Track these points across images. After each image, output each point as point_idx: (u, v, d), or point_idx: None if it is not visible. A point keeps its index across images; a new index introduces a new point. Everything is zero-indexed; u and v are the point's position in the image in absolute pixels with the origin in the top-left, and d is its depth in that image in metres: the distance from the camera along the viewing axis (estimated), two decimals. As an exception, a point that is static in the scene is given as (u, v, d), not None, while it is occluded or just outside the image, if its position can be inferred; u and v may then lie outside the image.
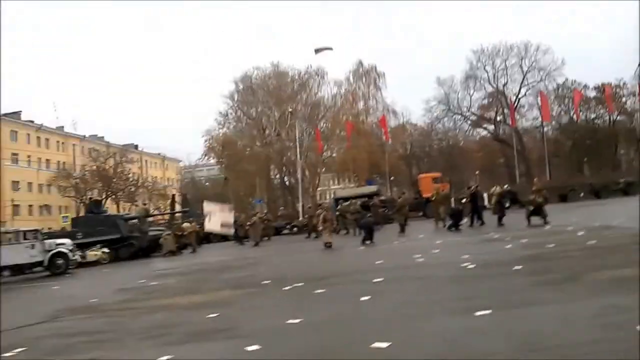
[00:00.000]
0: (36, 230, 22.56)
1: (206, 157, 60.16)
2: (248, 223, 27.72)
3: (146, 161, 77.84)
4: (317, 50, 44.14)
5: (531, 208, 18.69)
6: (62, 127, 65.77)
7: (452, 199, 27.35)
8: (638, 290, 6.45)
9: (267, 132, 56.23)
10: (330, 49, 45.24)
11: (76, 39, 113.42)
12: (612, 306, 5.92)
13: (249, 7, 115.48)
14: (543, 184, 24.48)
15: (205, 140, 56.53)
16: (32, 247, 20.73)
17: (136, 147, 74.32)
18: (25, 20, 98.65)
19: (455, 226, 19.74)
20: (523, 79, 54.08)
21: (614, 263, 8.93)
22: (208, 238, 33.16)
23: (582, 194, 35.42)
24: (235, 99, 57.16)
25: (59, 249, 21.15)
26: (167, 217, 40.52)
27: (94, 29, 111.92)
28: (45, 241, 21.39)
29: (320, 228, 18.80)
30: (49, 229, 37.20)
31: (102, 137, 70.75)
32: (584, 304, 6.30)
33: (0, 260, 19.89)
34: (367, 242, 18.28)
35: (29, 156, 59.27)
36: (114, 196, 56.97)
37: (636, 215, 17.82)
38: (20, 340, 7.60)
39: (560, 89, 54.03)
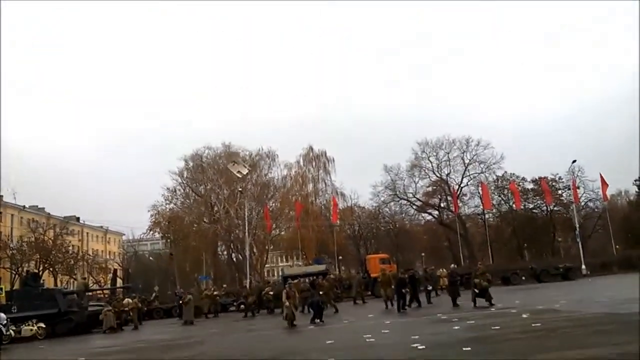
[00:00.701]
0: (-33, 303, 21.30)
1: (151, 232, 58.94)
2: (181, 302, 26.97)
3: (87, 234, 75.43)
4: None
5: (477, 290, 19.15)
6: (1, 196, 63.36)
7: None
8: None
9: (215, 209, 55.98)
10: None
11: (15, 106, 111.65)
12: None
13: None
14: (486, 267, 25.25)
15: (151, 215, 55.78)
16: (-37, 320, 19.53)
17: (78, 219, 72.11)
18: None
19: (402, 307, 20.09)
20: (465, 170, 56.91)
21: (558, 345, 9.26)
22: (150, 314, 32.13)
23: (523, 277, 36.55)
24: (185, 175, 57.15)
25: (-9, 324, 19.97)
26: (107, 292, 38.96)
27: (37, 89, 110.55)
28: (-23, 314, 20.19)
29: (286, 304, 18.31)
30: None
31: (43, 208, 68.39)
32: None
33: None
34: (317, 320, 18.13)
35: (-38, 226, 56.46)
36: (52, 269, 54.40)
37: (576, 298, 18.61)
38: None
39: (499, 181, 56.88)
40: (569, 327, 11.53)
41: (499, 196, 57.32)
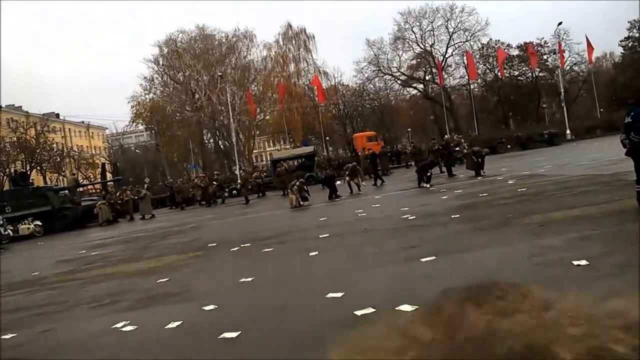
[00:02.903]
0: (-39, 206, 21.41)
1: (134, 124, 58.30)
2: (137, 197, 26.94)
3: (69, 130, 74.32)
4: None
5: (477, 158, 19.15)
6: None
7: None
8: (565, 231, 7.01)
9: (197, 96, 54.93)
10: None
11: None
12: (544, 246, 6.39)
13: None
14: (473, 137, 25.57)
15: (132, 107, 54.78)
16: (-39, 222, 19.75)
17: (57, 115, 70.70)
18: None
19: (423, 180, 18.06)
20: (449, 40, 55.41)
21: (544, 207, 9.54)
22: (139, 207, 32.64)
23: (509, 146, 37.12)
24: (160, 63, 55.39)
25: (-12, 225, 20.24)
26: (98, 186, 39.25)
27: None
28: (-28, 217, 20.39)
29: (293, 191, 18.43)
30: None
31: (20, 106, 66.81)
32: (519, 246, 6.75)
33: None
34: (334, 196, 18.30)
35: (-60, 129, 55.27)
36: (39, 167, 54.32)
37: (560, 163, 19.00)
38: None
39: (484, 49, 55.71)
40: (554, 190, 11.83)
41: (484, 65, 56.49)
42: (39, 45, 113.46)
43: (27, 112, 64.55)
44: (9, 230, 21.74)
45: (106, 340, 5.28)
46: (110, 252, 13.63)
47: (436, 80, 54.17)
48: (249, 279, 7.07)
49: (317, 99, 51.85)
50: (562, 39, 51.72)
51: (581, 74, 56.11)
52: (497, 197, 12.22)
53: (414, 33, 55.64)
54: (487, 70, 57.14)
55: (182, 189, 29.24)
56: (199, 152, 55.41)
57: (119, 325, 5.65)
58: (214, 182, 28.61)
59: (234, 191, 33.34)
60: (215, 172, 39.22)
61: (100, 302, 7.26)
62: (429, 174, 17.66)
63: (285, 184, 23.00)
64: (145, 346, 4.93)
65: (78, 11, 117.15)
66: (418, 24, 55.27)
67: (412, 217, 10.68)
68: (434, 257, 6.62)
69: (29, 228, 23.80)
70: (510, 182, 15.05)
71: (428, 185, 17.12)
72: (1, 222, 20.97)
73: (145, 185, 38.30)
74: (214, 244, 11.39)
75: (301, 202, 17.56)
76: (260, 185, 29.07)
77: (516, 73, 56.76)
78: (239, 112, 51.61)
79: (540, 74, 56.21)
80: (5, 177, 51.09)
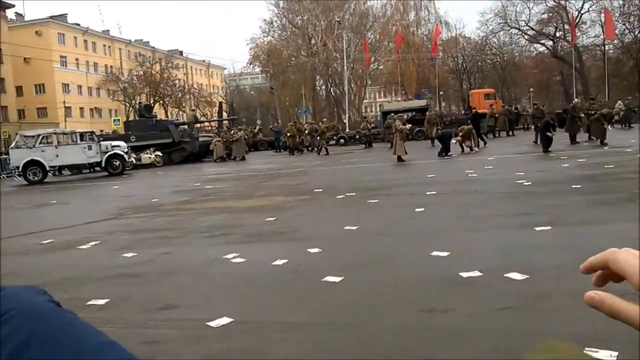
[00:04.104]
0: (92, 133, 23.27)
1: (251, 66, 59.80)
2: (232, 139, 27.25)
3: (191, 67, 77.84)
4: None
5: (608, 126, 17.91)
6: (108, 30, 65.97)
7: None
8: None
9: (313, 41, 55.04)
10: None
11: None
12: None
13: None
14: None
15: (250, 49, 56.06)
16: (89, 148, 21.49)
17: (181, 53, 74.12)
18: None
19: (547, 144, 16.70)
20: (588, -7, 50.61)
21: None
22: (255, 146, 33.77)
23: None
24: (281, 5, 55.80)
25: (115, 151, 21.88)
26: (214, 124, 41.06)
27: None
28: (101, 143, 22.11)
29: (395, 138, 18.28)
30: (101, 131, 38.35)
31: (148, 42, 70.77)
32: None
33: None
34: (444, 155, 17.95)
35: (77, 59, 60.02)
36: (161, 102, 57.74)
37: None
38: (93, 235, 8.07)
39: (626, 6, 50.42)
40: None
41: (624, 24, 51.28)
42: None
43: (154, 47, 68.26)
44: (132, 158, 23.36)
45: (217, 269, 5.59)
46: (223, 187, 14.33)
47: (567, 38, 50.05)
48: (354, 228, 7.12)
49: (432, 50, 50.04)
50: None
51: None
52: (624, 170, 11.26)
53: (549, -17, 51.49)
54: (627, 31, 51.93)
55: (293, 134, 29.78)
56: (310, 98, 55.94)
57: (229, 256, 5.94)
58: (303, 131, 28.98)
59: (342, 140, 33.58)
60: (309, 122, 39.60)
61: (212, 232, 7.69)
62: (550, 134, 16.39)
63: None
64: (251, 279, 5.16)
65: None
66: (555, -29, 50.97)
67: (527, 183, 10.16)
68: (549, 227, 6.26)
69: (150, 157, 25.47)
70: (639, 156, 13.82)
71: (549, 151, 16.03)
72: (126, 150, 22.58)
73: (257, 127, 39.65)
74: (320, 190, 11.57)
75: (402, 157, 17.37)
76: (368, 135, 29.02)
77: (659, 35, 51.17)
78: (353, 59, 51.19)
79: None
80: (131, 108, 54.95)
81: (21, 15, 56.84)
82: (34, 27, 55.89)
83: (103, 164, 21.60)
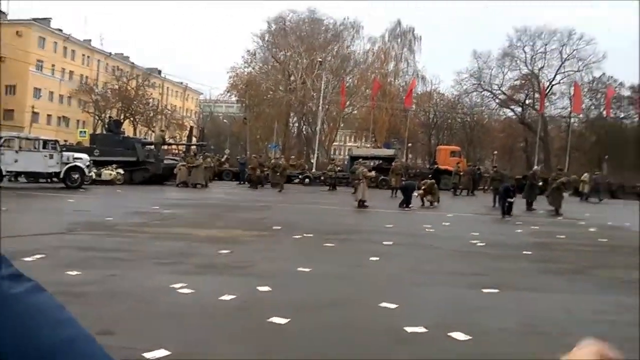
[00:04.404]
0: (55, 141, 22.71)
1: (228, 94, 59.98)
2: (192, 165, 26.58)
3: (168, 88, 77.44)
4: None
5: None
6: (90, 40, 65.42)
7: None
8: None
9: (292, 78, 55.73)
10: None
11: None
12: (620, 304, 6.02)
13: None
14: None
15: (230, 77, 56.37)
16: (51, 157, 20.94)
17: (159, 72, 73.78)
18: None
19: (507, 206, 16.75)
20: (560, 66, 52.94)
21: (624, 262, 8.99)
22: (220, 175, 33.54)
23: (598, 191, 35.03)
24: (266, 39, 56.52)
25: (76, 163, 21.39)
26: (182, 147, 40.72)
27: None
28: (64, 153, 21.62)
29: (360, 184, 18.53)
30: (65, 141, 37.59)
31: (128, 57, 70.36)
32: (589, 298, 6.41)
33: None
34: (405, 206, 18.04)
35: (53, 65, 59.21)
36: (132, 118, 57.13)
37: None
38: (40, 247, 7.83)
39: (595, 83, 52.96)
40: (636, 247, 11.12)
41: (590, 100, 53.68)
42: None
43: (133, 63, 67.89)
44: (92, 172, 22.86)
45: (163, 297, 5.49)
46: (181, 213, 14.15)
47: (536, 106, 52.01)
48: (307, 269, 7.13)
49: (405, 101, 51.20)
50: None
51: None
52: (575, 242, 11.64)
53: (525, 52, 53.67)
54: (592, 107, 54.33)
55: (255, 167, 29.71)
56: (282, 134, 56.26)
57: (177, 285, 5.85)
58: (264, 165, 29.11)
59: (307, 179, 33.71)
60: (292, 157, 39.74)
61: (163, 259, 7.56)
62: (510, 200, 16.54)
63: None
64: (196, 311, 5.08)
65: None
66: (531, 43, 53.18)
67: (481, 244, 10.37)
68: (497, 290, 6.40)
69: (111, 174, 24.89)
70: (591, 229, 14.28)
71: (508, 216, 16.23)
72: (88, 163, 22.08)
73: (225, 156, 39.47)
74: (279, 227, 11.56)
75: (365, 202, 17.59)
76: (333, 178, 29.26)
77: (622, 115, 53.66)
78: (329, 100, 51.91)
79: (650, 122, 52.82)
80: (100, 122, 54.18)
81: (4, 13, 55.98)
82: (15, 26, 55.00)
83: (62, 175, 21.07)
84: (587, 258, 9.57)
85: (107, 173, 24.79)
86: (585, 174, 31.31)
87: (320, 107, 46.72)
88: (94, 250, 8.05)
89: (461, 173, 29.39)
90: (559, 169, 21.62)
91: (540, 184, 21.00)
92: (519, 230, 13.16)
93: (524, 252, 9.53)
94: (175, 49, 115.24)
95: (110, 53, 67.99)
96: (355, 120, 59.99)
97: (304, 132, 57.79)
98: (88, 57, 65.69)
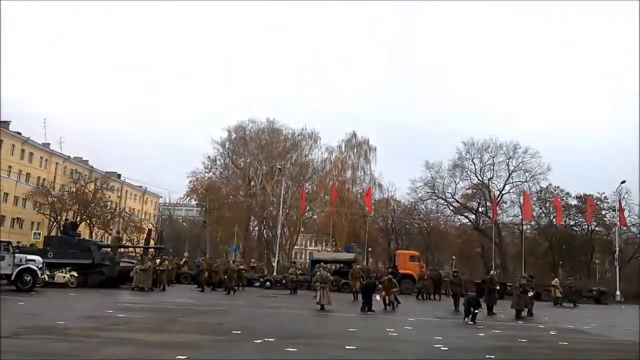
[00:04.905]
0: (8, 243, 22.03)
1: (188, 198, 59.89)
2: (140, 268, 25.66)
3: (126, 191, 77.11)
4: None
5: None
6: (49, 144, 65.40)
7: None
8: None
9: (252, 183, 56.40)
10: None
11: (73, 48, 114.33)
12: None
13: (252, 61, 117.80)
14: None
15: (190, 182, 56.56)
16: (2, 258, 20.23)
17: (119, 176, 73.72)
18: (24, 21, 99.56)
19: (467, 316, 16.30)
20: (508, 177, 55.17)
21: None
22: (178, 279, 32.79)
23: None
24: (226, 146, 57.63)
25: (29, 265, 20.65)
26: (139, 250, 39.88)
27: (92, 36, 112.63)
28: (16, 255, 20.91)
29: (317, 288, 18.63)
30: (18, 242, 36.41)
31: (87, 160, 70.26)
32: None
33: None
34: (367, 310, 17.78)
35: (10, 167, 58.48)
36: (89, 221, 56.07)
37: (606, 323, 18.11)
38: (-18, 352, 7.39)
39: (542, 192, 55.37)
40: (597, 351, 11.23)
41: (540, 208, 55.76)
42: (112, 96, 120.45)
43: (92, 167, 67.76)
44: (45, 275, 22.10)
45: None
46: (136, 318, 13.62)
47: (489, 214, 53.68)
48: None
49: (366, 208, 52.14)
50: (624, 197, 50.85)
51: (638, 235, 54.46)
52: (536, 345, 11.66)
53: (474, 164, 55.96)
54: (543, 214, 56.39)
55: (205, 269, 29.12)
56: (242, 237, 55.93)
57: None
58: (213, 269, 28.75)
59: (268, 282, 33.19)
60: (252, 260, 39.27)
61: (116, 365, 7.20)
62: (476, 311, 16.07)
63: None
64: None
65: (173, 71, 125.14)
66: (479, 155, 55.61)
67: (444, 348, 10.26)
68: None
69: (64, 277, 24.06)
70: (552, 332, 14.36)
71: (471, 322, 15.80)
72: (41, 265, 21.39)
73: (183, 259, 38.71)
74: (239, 332, 11.21)
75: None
76: (294, 281, 28.93)
77: (572, 223, 55.73)
78: (289, 206, 52.41)
79: (597, 229, 54.92)
80: (55, 224, 52.92)
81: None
82: (-27, 130, 54.85)
83: (13, 277, 20.22)
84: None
85: (61, 276, 23.95)
86: (556, 279, 32.05)
87: (280, 212, 47.03)
88: (41, 355, 7.62)
89: (425, 277, 29.52)
90: (530, 276, 21.89)
91: (497, 288, 21.26)
92: (482, 334, 13.11)
93: (487, 356, 9.46)
94: (135, 154, 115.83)
95: (68, 156, 67.89)
96: (315, 224, 60.42)
97: (265, 236, 57.57)
98: (46, 159, 65.33)
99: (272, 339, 10.29)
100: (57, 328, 10.57)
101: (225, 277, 26.74)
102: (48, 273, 22.86)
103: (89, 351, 8.24)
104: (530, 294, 20.20)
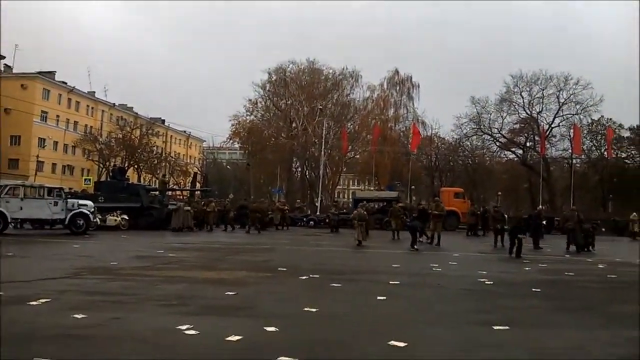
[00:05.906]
0: (60, 189, 22.89)
1: (231, 141, 60.59)
2: (172, 209, 26.66)
3: (171, 137, 78.38)
4: None
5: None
6: (94, 92, 66.65)
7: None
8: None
9: (294, 125, 56.30)
10: None
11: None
12: (628, 338, 5.90)
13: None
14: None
15: (232, 125, 56.90)
16: (55, 204, 21.07)
17: (163, 121, 74.83)
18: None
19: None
20: (558, 110, 53.06)
21: (635, 298, 8.85)
22: (224, 220, 33.48)
23: (603, 229, 34.81)
24: (267, 89, 57.31)
25: (81, 210, 21.48)
26: (186, 193, 40.85)
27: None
28: (68, 200, 21.73)
29: (355, 225, 19.47)
30: (70, 189, 37.80)
31: (131, 107, 71.46)
32: (599, 333, 6.28)
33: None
34: (414, 247, 17.62)
35: (57, 116, 60.11)
36: (136, 166, 57.63)
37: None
38: (45, 292, 7.78)
39: (594, 125, 53.27)
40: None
41: (591, 141, 53.84)
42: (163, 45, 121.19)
43: (137, 113, 68.92)
44: (97, 219, 22.93)
45: (168, 339, 5.40)
46: (186, 257, 14.09)
47: (537, 149, 52.24)
48: (314, 310, 7.02)
49: (410, 146, 51.54)
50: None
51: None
52: (584, 279, 11.52)
53: (522, 97, 54.04)
54: (593, 148, 54.53)
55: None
56: (285, 179, 56.48)
57: (182, 327, 5.76)
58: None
59: (311, 222, 33.67)
60: (297, 200, 39.73)
61: (168, 301, 7.48)
62: (519, 245, 15.78)
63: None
64: (202, 353, 4.99)
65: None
66: (528, 89, 53.53)
67: (489, 282, 10.24)
68: (507, 327, 6.28)
69: (116, 220, 24.98)
70: (600, 265, 14.15)
71: (516, 257, 15.52)
72: (93, 209, 22.18)
73: (227, 201, 39.48)
74: (284, 269, 11.45)
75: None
76: (336, 220, 29.18)
77: (624, 155, 53.78)
78: (331, 146, 52.35)
79: (651, 161, 52.95)
80: (104, 169, 54.63)
81: (10, 67, 57.37)
82: (20, 80, 56.32)
83: (66, 222, 21.11)
84: (596, 294, 9.44)
85: (112, 219, 24.83)
86: (634, 214, 31.17)
87: (322, 152, 47.10)
88: (98, 293, 7.98)
89: (478, 213, 28.97)
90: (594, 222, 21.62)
91: (544, 222, 20.95)
92: (527, 269, 13.01)
93: (533, 290, 9.40)
94: (178, 100, 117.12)
95: (114, 104, 69.17)
96: (358, 164, 60.27)
97: (307, 177, 57.97)
98: (92, 107, 66.81)
99: (317, 275, 10.49)
100: (111, 268, 11.05)
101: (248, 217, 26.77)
102: (100, 217, 23.67)
103: (142, 289, 8.57)
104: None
